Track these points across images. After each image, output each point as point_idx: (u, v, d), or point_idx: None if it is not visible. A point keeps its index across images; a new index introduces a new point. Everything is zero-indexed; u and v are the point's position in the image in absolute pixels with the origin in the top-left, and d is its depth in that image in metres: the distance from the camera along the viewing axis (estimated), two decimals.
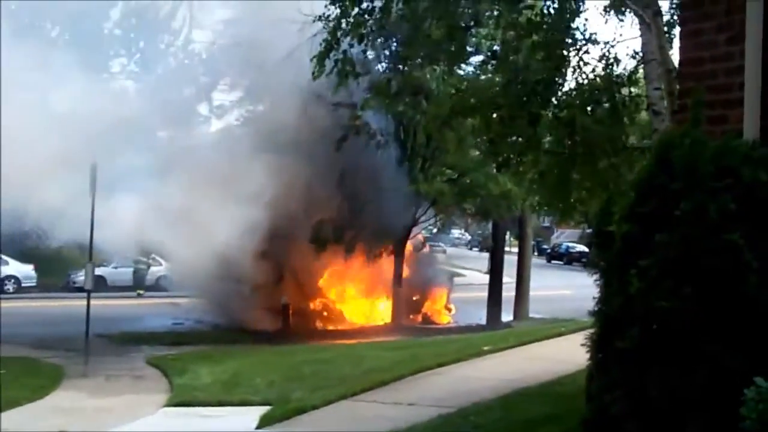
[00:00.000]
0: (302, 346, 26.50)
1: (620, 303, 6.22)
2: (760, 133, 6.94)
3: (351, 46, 12.69)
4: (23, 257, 47.93)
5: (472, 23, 14.69)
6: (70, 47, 50.55)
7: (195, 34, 51.30)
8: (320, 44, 12.98)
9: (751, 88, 6.99)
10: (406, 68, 16.08)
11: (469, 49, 16.91)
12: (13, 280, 48.14)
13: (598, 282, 6.71)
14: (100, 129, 36.32)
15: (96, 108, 41.12)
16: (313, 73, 13.36)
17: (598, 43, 15.23)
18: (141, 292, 46.10)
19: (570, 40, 14.77)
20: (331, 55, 12.75)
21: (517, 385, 15.20)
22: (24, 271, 48.09)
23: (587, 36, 14.99)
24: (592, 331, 6.64)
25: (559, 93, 14.32)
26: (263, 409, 15.01)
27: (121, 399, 17.47)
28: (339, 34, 12.49)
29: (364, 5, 12.41)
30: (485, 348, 20.40)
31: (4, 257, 47.09)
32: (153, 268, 44.96)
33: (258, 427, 13.94)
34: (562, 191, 14.62)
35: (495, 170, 29.24)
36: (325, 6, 12.86)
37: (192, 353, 24.35)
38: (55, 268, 47.80)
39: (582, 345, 6.68)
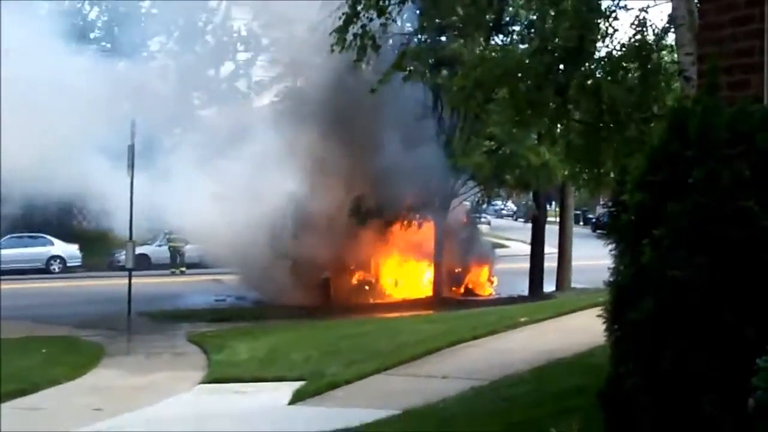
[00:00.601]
0: (341, 321, 26.47)
1: (633, 273, 6.11)
2: None
3: (370, 19, 12.57)
4: (69, 237, 48.34)
5: None
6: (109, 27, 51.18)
7: (233, 10, 51.30)
8: (339, 18, 12.89)
9: None
10: (444, 38, 15.86)
11: (506, 19, 16.80)
12: (58, 260, 48.52)
13: (613, 252, 6.61)
14: (140, 108, 36.68)
15: (135, 87, 41.54)
16: (332, 47, 13.28)
17: (629, 9, 15.04)
18: (183, 269, 46.26)
19: (598, 7, 14.53)
20: (351, 28, 12.65)
21: (550, 356, 15.10)
22: (69, 250, 48.49)
23: (617, 2, 14.78)
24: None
25: (588, 62, 14.11)
26: (297, 385, 15.00)
27: (158, 376, 17.54)
28: (359, 7, 12.40)
29: None
30: (522, 319, 20.29)
31: (49, 237, 47.54)
32: (195, 246, 44.86)
33: (290, 403, 13.91)
34: (591, 161, 14.46)
35: (536, 141, 29.22)
36: None
37: (232, 330, 24.41)
38: (101, 247, 48.08)
39: (598, 316, 6.58)
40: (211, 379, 16.79)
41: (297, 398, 14.16)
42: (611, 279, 6.51)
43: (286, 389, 14.72)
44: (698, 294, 5.66)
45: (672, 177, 6.01)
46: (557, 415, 8.45)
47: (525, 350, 16.35)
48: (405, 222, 35.96)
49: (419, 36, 13.95)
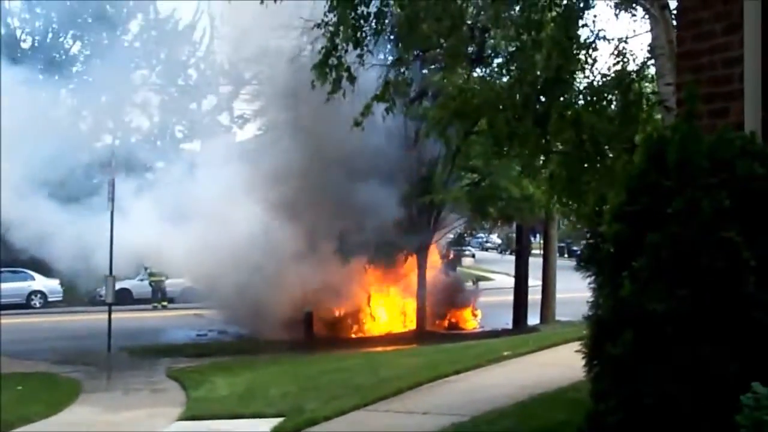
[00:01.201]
0: (322, 356, 26.25)
1: (612, 306, 5.98)
2: (762, 124, 6.74)
3: (346, 51, 12.45)
4: (49, 273, 48.04)
5: (477, 24, 14.45)
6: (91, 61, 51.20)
7: (216, 44, 51.48)
8: (319, 52, 12.78)
9: (750, 79, 6.81)
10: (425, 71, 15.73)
11: (488, 51, 16.68)
12: (39, 295, 48.31)
13: (591, 285, 6.48)
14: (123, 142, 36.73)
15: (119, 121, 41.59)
16: (312, 83, 13.15)
17: (609, 40, 15.02)
18: (164, 303, 46.06)
19: (578, 37, 14.48)
20: (330, 61, 12.53)
21: (533, 391, 14.96)
22: (50, 285, 48.26)
23: (596, 32, 14.74)
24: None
25: (568, 92, 14.03)
26: (276, 421, 14.80)
27: (136, 413, 17.31)
28: (337, 40, 12.28)
29: (360, 10, 12.20)
30: (505, 353, 20.17)
31: (30, 273, 47.30)
32: (176, 280, 44.67)
33: None
34: (573, 192, 14.35)
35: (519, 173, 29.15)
36: (324, 14, 12.66)
37: (212, 365, 24.21)
38: (83, 282, 47.83)
39: (576, 351, 6.43)
40: (189, 416, 16.54)
41: None
42: (590, 312, 6.39)
43: (265, 426, 14.54)
44: (679, 328, 5.52)
45: (651, 207, 5.90)
46: None
47: (507, 385, 16.19)
48: (386, 259, 35.85)
49: (399, 68, 13.74)
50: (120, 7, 51.24)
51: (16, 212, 33.70)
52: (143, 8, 52.14)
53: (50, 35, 53.10)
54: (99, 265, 31.46)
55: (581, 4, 14.77)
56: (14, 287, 47.49)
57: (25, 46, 51.86)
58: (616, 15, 16.01)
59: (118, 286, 41.11)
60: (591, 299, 6.42)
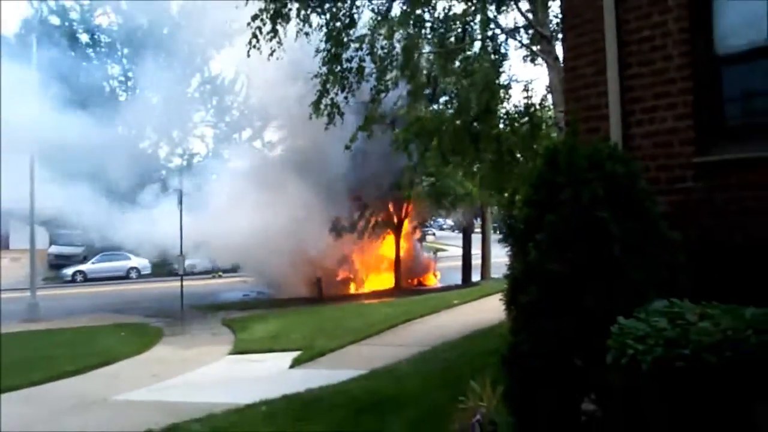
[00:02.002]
0: (328, 307, 26.05)
1: (522, 268, 5.89)
2: (622, 139, 6.68)
3: (337, 94, 12.31)
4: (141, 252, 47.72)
5: (431, 73, 14.30)
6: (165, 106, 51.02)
7: (252, 91, 51.30)
8: (315, 93, 12.65)
9: (613, 106, 6.73)
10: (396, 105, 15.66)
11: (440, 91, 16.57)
12: (135, 270, 48.03)
13: (509, 253, 6.38)
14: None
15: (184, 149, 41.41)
16: (310, 116, 13.02)
17: (519, 81, 14.95)
18: (220, 274, 45.78)
19: (498, 81, 14.35)
20: (323, 101, 12.39)
21: (474, 328, 14.94)
22: (142, 263, 47.85)
23: (511, 77, 14.64)
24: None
25: (493, 119, 13.90)
26: (296, 354, 14.68)
27: (199, 350, 17.12)
28: (327, 86, 12.14)
29: (345, 65, 12.07)
30: (455, 302, 20.08)
31: (127, 254, 47.02)
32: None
33: (290, 367, 13.62)
34: (496, 188, 14.26)
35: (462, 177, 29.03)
36: (318, 67, 12.52)
37: (253, 316, 23.92)
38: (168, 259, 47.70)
39: (500, 300, 6.34)
40: (235, 352, 16.41)
41: (295, 363, 13.87)
42: (508, 272, 6.30)
43: (288, 357, 14.40)
44: (568, 282, 5.43)
45: (548, 196, 5.83)
46: (480, 370, 8.14)
47: (456, 324, 16.14)
48: (372, 235, 35.84)
49: (375, 105, 13.60)
50: (184, 69, 50.91)
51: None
52: (200, 69, 51.77)
53: (138, 91, 52.85)
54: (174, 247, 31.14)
55: (501, 59, 14.62)
56: (117, 265, 47.34)
57: (122, 99, 51.53)
58: (524, 63, 15.98)
59: (187, 262, 41.23)
60: (508, 263, 6.33)
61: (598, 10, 6.90)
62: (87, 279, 45.26)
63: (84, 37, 51.71)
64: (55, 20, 51.25)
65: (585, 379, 5.24)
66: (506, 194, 14.30)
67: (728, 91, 6.34)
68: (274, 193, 34.65)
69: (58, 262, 47.07)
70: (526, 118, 13.90)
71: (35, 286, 27.65)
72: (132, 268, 48.05)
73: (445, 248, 62.20)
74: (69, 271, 45.51)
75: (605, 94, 6.83)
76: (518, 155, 13.52)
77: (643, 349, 4.58)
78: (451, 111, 15.62)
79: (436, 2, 14.25)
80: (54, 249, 47.93)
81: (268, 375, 13.04)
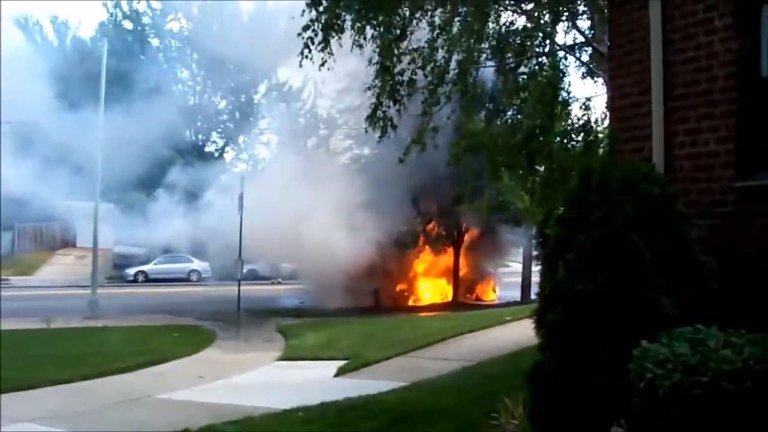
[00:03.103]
0: (381, 319, 26.09)
1: (551, 287, 5.91)
2: (664, 160, 6.63)
3: (389, 107, 12.39)
4: (204, 256, 48.49)
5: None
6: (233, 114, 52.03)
7: (318, 101, 51.85)
8: (369, 107, 12.76)
9: (656, 127, 6.71)
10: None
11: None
12: (196, 273, 48.87)
13: (540, 271, 6.39)
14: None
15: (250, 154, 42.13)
16: (365, 130, 13.12)
17: (577, 99, 14.86)
18: (280, 280, 46.22)
19: (557, 98, 14.27)
20: (377, 114, 12.50)
21: (523, 344, 14.70)
22: (203, 266, 48.64)
23: (570, 94, 14.56)
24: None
25: (548, 136, 13.84)
26: (342, 363, 14.77)
27: (249, 355, 17.35)
28: (381, 99, 12.23)
29: (397, 78, 12.16)
30: (508, 318, 19.95)
31: (189, 256, 47.89)
32: (285, 264, 44.90)
33: (335, 376, 13.71)
34: (546, 204, 14.14)
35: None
36: (372, 79, 12.63)
37: (306, 324, 24.12)
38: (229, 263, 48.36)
39: (529, 318, 6.36)
40: (284, 358, 16.59)
41: (340, 372, 13.94)
42: (539, 291, 6.32)
43: (334, 366, 14.48)
44: (596, 302, 5.43)
45: (580, 216, 5.83)
46: (518, 387, 8.13)
47: (506, 340, 16.00)
48: (432, 249, 35.77)
49: (428, 119, 13.62)
50: (253, 77, 51.81)
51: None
52: (268, 76, 52.60)
53: (206, 95, 54.01)
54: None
55: (560, 76, 14.55)
56: (179, 267, 48.24)
57: (191, 103, 52.70)
58: (583, 80, 15.93)
59: (248, 267, 41.82)
60: (539, 281, 6.36)
61: (645, 30, 6.89)
62: (148, 279, 46.27)
63: (155, 42, 53.04)
64: (128, 25, 52.68)
65: (610, 401, 5.22)
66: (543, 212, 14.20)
67: None
68: (337, 202, 34.94)
69: (121, 262, 48.17)
70: (582, 135, 13.86)
71: (97, 283, 28.43)
72: (193, 271, 48.88)
73: (508, 264, 61.73)
74: (131, 270, 46.60)
75: (649, 114, 6.81)
76: (572, 173, 13.41)
77: (662, 373, 4.58)
78: (505, 126, 15.60)
79: (498, 16, 14.29)
80: (118, 249, 49.09)
81: (312, 382, 13.17)
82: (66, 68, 48.47)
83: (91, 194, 29.84)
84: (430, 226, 36.13)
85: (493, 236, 38.38)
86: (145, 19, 53.57)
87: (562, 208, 6.45)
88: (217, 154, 53.72)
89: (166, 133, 45.56)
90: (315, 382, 13.20)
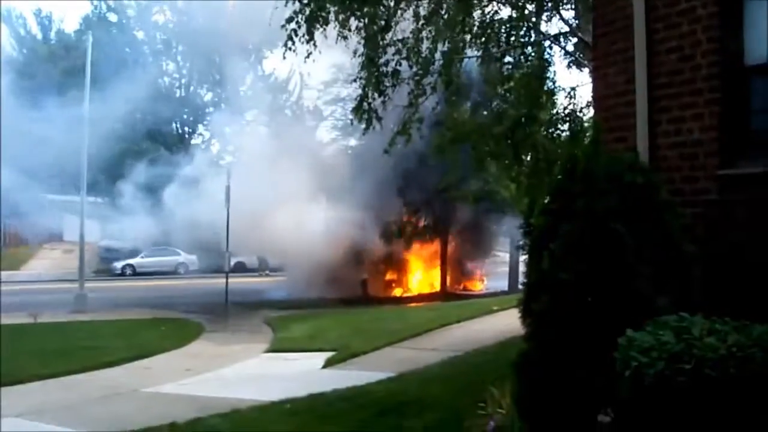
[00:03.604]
0: (370, 310, 26.13)
1: (536, 277, 5.91)
2: (648, 149, 6.64)
3: (374, 99, 12.36)
4: (191, 249, 48.30)
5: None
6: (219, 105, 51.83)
7: (304, 92, 51.82)
8: (355, 99, 12.73)
9: (640, 116, 6.71)
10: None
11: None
12: (183, 266, 48.79)
13: (525, 261, 6.40)
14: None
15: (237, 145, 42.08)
16: (351, 121, 13.10)
17: (563, 89, 14.84)
18: (268, 272, 46.16)
19: (543, 87, 14.24)
20: (363, 106, 12.46)
21: (511, 334, 14.74)
22: (190, 259, 48.60)
23: (555, 83, 14.54)
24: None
25: (534, 126, 13.82)
26: (330, 354, 14.78)
27: (236, 347, 17.32)
28: (366, 91, 12.20)
29: (382, 69, 12.13)
30: (494, 308, 20.02)
31: (177, 249, 47.72)
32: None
33: (323, 368, 13.72)
34: (531, 194, 14.15)
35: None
36: (357, 71, 12.60)
37: (294, 315, 24.09)
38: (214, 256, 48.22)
39: (515, 308, 6.35)
40: (272, 350, 16.59)
41: (328, 364, 13.95)
42: (524, 281, 6.31)
43: (322, 358, 14.49)
44: (579, 291, 5.43)
45: (564, 205, 5.83)
46: (504, 377, 8.17)
47: (493, 330, 16.09)
48: (419, 240, 35.71)
49: (413, 109, 13.59)
50: (239, 69, 51.63)
51: None
52: (254, 68, 52.51)
53: (192, 88, 53.82)
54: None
55: (545, 66, 14.51)
56: (166, 260, 48.28)
57: (177, 95, 52.54)
58: (569, 70, 15.93)
59: (236, 260, 41.80)
60: (524, 271, 6.36)
61: (629, 19, 6.88)
62: (136, 273, 46.16)
63: (140, 35, 52.73)
64: (112, 17, 52.35)
65: (595, 390, 5.23)
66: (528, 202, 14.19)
67: (756, 103, 6.27)
68: (324, 193, 34.93)
69: (108, 255, 48.02)
70: (567, 125, 13.86)
71: (84, 278, 28.31)
72: (180, 264, 48.85)
73: (496, 253, 61.85)
74: (119, 264, 46.49)
75: (633, 103, 6.81)
76: (558, 162, 13.42)
77: (646, 362, 4.58)
78: (490, 116, 15.56)
79: (483, 7, 14.25)
80: (105, 242, 48.91)
81: (300, 374, 13.17)
82: (50, 61, 48.27)
83: (77, 188, 29.69)
84: (417, 216, 36.11)
85: (480, 226, 38.38)
86: (130, 12, 53.26)
87: (547, 198, 6.44)
88: (203, 147, 53.51)
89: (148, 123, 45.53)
90: (303, 373, 13.20)
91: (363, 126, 12.72)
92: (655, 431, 4.68)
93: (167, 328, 20.77)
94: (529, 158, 13.87)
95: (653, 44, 6.73)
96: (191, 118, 53.66)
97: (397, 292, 37.05)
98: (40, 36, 57.09)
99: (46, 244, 48.91)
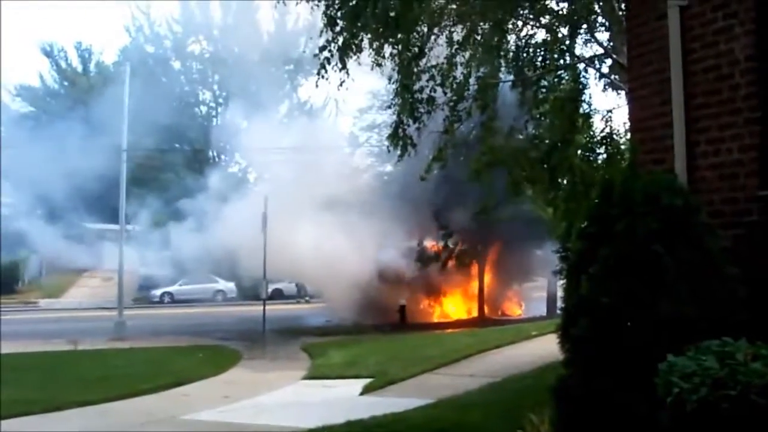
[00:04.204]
0: (407, 336, 26.02)
1: (574, 301, 5.83)
2: (687, 171, 6.55)
3: (408, 125, 12.38)
4: (229, 277, 48.50)
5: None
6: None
7: (340, 119, 52.21)
8: (390, 126, 12.77)
9: (678, 137, 6.63)
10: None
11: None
12: (221, 293, 49.01)
13: (563, 285, 6.33)
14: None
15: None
16: (388, 149, 13.14)
17: (598, 111, 14.77)
18: (307, 299, 46.18)
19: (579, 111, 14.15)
20: (398, 132, 12.49)
21: (549, 360, 14.59)
22: (228, 286, 48.80)
23: (591, 106, 14.45)
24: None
25: (570, 150, 13.72)
26: (367, 381, 14.73)
27: (274, 374, 17.34)
28: (401, 117, 12.24)
29: (416, 96, 12.16)
30: (533, 333, 19.84)
31: (215, 277, 47.92)
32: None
33: (360, 394, 13.67)
34: (569, 217, 14.02)
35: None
36: (392, 98, 12.66)
37: (332, 342, 24.08)
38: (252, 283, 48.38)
39: (554, 333, 6.27)
40: (309, 376, 16.59)
41: (365, 390, 13.90)
42: (563, 305, 6.25)
43: (359, 384, 14.44)
44: (619, 315, 5.35)
45: (602, 229, 5.77)
46: (543, 403, 8.08)
47: (531, 355, 15.91)
48: (456, 265, 35.43)
49: (448, 136, 13.59)
50: (276, 96, 52.11)
51: None
52: (289, 96, 53.02)
53: (228, 116, 54.45)
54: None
55: (581, 88, 14.43)
56: (204, 287, 48.37)
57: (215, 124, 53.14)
58: (604, 92, 15.87)
59: (273, 286, 41.96)
60: (562, 296, 6.31)
61: (664, 39, 6.82)
62: (174, 300, 46.44)
63: (177, 65, 53.50)
64: (149, 48, 53.20)
65: (636, 416, 5.14)
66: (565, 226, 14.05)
67: None
68: (360, 219, 34.94)
69: (147, 283, 48.43)
70: (604, 148, 13.77)
71: (122, 305, 28.59)
72: (218, 291, 49.05)
73: (533, 279, 61.40)
74: (157, 292, 46.82)
75: (671, 124, 6.72)
76: (595, 186, 13.31)
77: (689, 388, 4.49)
78: (526, 140, 15.49)
79: (518, 31, 14.26)
80: (144, 270, 49.35)
81: (337, 401, 13.12)
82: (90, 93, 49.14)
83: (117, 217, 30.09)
84: (453, 241, 35.92)
85: (518, 251, 38.09)
86: (167, 43, 54.09)
87: (584, 222, 6.39)
88: (240, 174, 53.95)
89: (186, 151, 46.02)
90: (340, 400, 13.15)
91: (398, 152, 12.72)
92: None
93: (205, 356, 20.86)
94: (565, 182, 13.78)
95: (689, 64, 6.66)
96: (227, 146, 54.12)
97: (435, 317, 36.82)
98: (80, 68, 58.25)
99: (85, 273, 49.37)
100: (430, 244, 35.02)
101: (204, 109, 54.09)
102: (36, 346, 21.80)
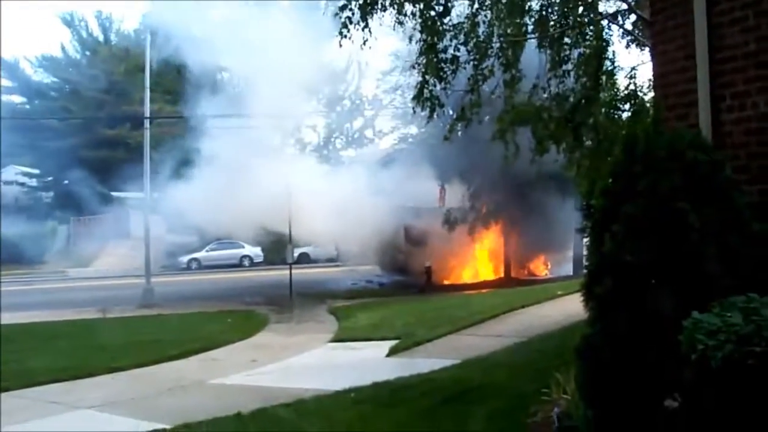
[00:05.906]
0: (434, 297, 26.12)
1: (597, 259, 5.80)
2: (711, 126, 6.46)
3: (434, 85, 12.28)
4: (255, 241, 48.73)
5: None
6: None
7: (363, 82, 51.92)
8: (415, 86, 12.69)
9: (702, 92, 6.51)
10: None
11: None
12: (247, 258, 49.38)
13: (587, 244, 6.30)
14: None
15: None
16: (413, 110, 13.07)
17: (622, 68, 14.57)
18: (337, 263, 46.35)
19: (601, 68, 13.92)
20: (424, 93, 12.39)
21: (575, 319, 14.61)
22: (255, 251, 49.14)
23: (615, 63, 14.20)
24: None
25: (594, 107, 13.53)
26: (394, 343, 14.84)
27: (302, 338, 17.52)
28: (426, 77, 12.14)
29: (441, 56, 12.06)
30: (559, 292, 19.84)
31: (241, 242, 48.21)
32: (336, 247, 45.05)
33: (387, 356, 13.80)
34: (593, 176, 13.87)
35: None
36: (416, 57, 12.55)
37: (358, 304, 24.26)
38: (280, 248, 48.63)
39: (579, 292, 6.26)
40: (336, 339, 16.78)
41: (392, 352, 14.04)
42: (586, 264, 6.22)
43: (386, 346, 14.57)
44: (643, 273, 5.33)
45: (626, 186, 5.71)
46: (570, 363, 8.11)
47: (557, 315, 15.96)
48: (483, 227, 35.25)
49: (472, 95, 13.44)
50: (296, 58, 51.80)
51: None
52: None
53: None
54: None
55: (604, 45, 14.19)
56: (231, 253, 48.84)
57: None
58: (627, 49, 15.68)
59: (300, 251, 42.18)
60: (585, 254, 6.27)
61: None
62: (201, 266, 46.85)
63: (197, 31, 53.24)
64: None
65: (661, 374, 5.14)
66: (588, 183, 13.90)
67: None
68: (385, 182, 34.95)
69: (174, 250, 48.84)
70: (628, 105, 13.61)
71: (150, 273, 28.90)
72: (245, 256, 49.44)
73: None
74: (184, 258, 47.21)
75: (694, 79, 6.61)
76: (618, 143, 13.13)
77: (714, 344, 4.47)
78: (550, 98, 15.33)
79: None
80: (170, 237, 49.76)
81: (364, 363, 13.25)
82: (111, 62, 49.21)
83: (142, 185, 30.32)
84: (480, 202, 35.73)
85: (544, 211, 37.90)
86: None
87: (607, 179, 6.33)
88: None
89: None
90: (367, 362, 13.29)
91: (424, 113, 12.64)
92: (723, 415, 4.56)
93: (233, 320, 21.13)
94: (589, 141, 13.64)
95: (714, 16, 6.53)
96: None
97: (462, 278, 36.80)
98: (101, 38, 58.28)
99: (112, 241, 49.88)
100: (456, 205, 34.85)
101: (226, 75, 53.91)
102: (66, 315, 22.18)
